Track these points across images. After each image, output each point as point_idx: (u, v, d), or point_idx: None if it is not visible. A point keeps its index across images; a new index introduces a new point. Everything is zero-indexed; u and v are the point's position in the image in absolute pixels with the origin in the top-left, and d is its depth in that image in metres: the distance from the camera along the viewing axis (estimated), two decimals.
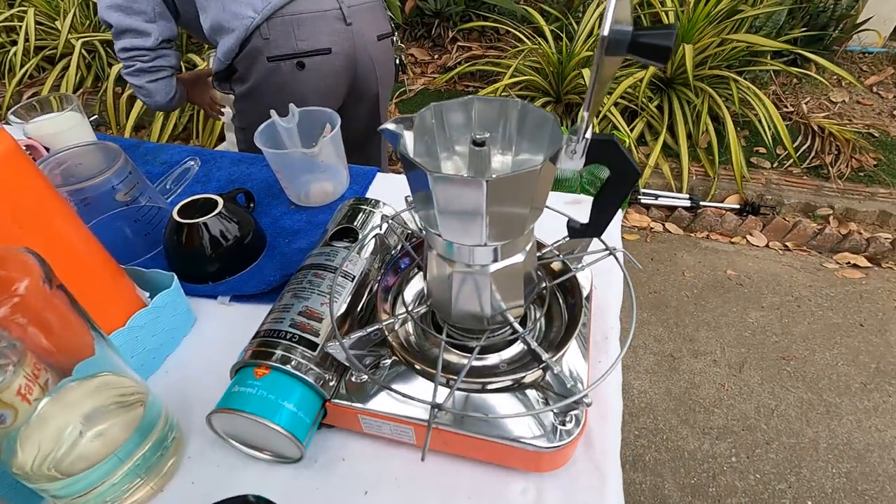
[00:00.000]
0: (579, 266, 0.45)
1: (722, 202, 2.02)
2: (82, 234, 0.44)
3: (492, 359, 0.42)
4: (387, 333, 0.40)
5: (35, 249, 0.37)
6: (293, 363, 0.39)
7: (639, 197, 2.01)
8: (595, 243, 0.44)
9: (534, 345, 0.37)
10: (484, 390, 0.39)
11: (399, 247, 0.50)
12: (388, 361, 0.41)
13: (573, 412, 0.36)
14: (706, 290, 1.71)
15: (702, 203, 2.01)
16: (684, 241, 1.93)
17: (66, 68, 2.44)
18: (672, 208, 2.02)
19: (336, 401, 0.40)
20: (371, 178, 0.74)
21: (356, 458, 0.43)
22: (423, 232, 0.39)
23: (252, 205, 0.69)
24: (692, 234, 1.97)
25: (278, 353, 0.39)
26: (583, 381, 0.39)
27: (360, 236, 0.50)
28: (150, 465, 0.41)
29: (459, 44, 2.78)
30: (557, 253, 0.45)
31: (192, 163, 0.77)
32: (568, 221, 0.35)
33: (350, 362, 0.36)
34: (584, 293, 0.44)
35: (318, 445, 0.43)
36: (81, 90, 2.53)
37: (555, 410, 0.36)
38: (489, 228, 0.30)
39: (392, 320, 0.39)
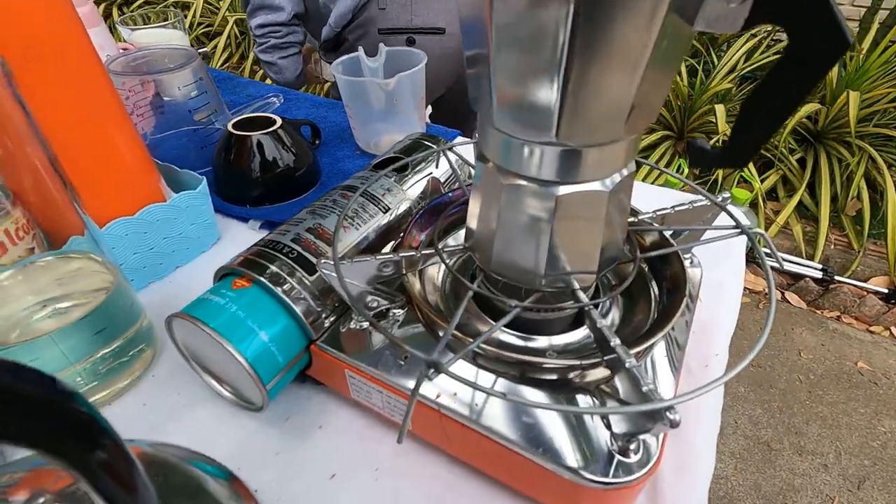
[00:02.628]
0: (691, 244, 0.32)
1: (865, 282, 1.68)
2: (109, 100, 0.39)
3: (540, 341, 0.30)
4: (404, 272, 0.30)
5: (36, 92, 0.33)
6: (282, 283, 0.30)
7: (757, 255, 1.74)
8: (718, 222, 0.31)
9: (601, 322, 0.25)
10: (520, 379, 0.27)
11: (456, 186, 0.40)
12: (401, 313, 0.31)
13: (644, 435, 0.24)
14: (826, 380, 1.41)
15: (837, 278, 1.69)
16: (806, 317, 1.63)
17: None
18: (797, 276, 1.72)
19: (322, 344, 0.30)
20: (450, 139, 0.66)
21: (336, 431, 0.33)
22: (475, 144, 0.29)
23: (318, 141, 0.63)
24: (818, 310, 1.66)
25: (269, 267, 0.31)
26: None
27: (410, 168, 0.41)
28: (107, 370, 0.34)
29: None
30: (659, 223, 0.33)
31: (274, 98, 0.74)
32: (691, 143, 0.23)
33: (343, 288, 0.26)
34: (692, 287, 0.31)
35: (296, 403, 0.34)
36: (227, 65, 2.77)
37: (626, 412, 0.23)
38: (567, 102, 0.19)
39: (412, 254, 0.29)
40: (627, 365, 0.23)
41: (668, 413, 0.20)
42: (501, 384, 0.27)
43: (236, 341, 0.28)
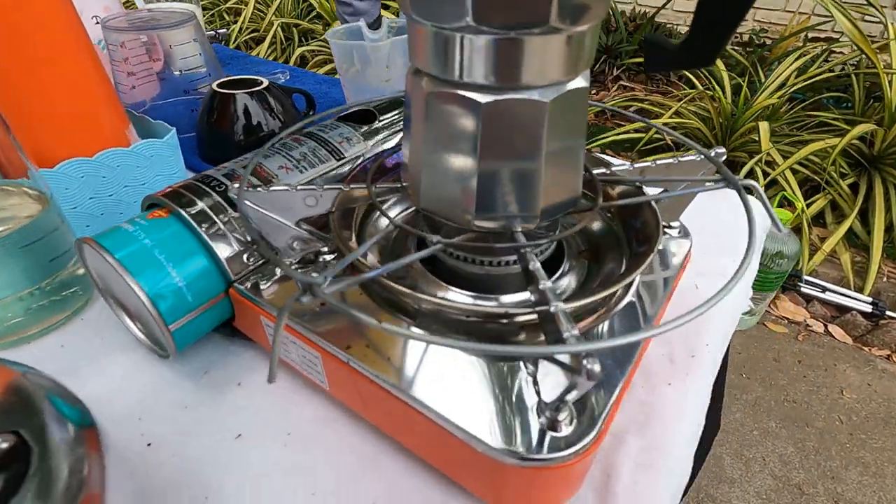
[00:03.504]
0: (665, 194, 0.27)
1: None
2: (74, 41, 0.38)
3: (489, 301, 0.26)
4: (332, 209, 0.27)
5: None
6: (202, 217, 0.27)
7: (799, 283, 1.62)
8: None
9: (534, 264, 0.21)
10: (452, 333, 0.23)
11: None
12: (331, 258, 0.27)
13: (571, 398, 0.19)
14: (871, 423, 1.27)
15: (889, 313, 1.54)
16: (851, 353, 1.49)
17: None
18: (843, 309, 1.58)
19: (239, 287, 0.27)
20: None
21: (255, 389, 0.29)
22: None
23: (312, 112, 0.61)
24: (866, 347, 1.51)
25: (193, 200, 0.28)
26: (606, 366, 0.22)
27: (378, 121, 0.37)
28: (38, 307, 0.32)
29: (622, 83, 2.61)
30: (638, 178, 0.28)
31: (280, 74, 0.73)
32: (646, 38, 0.19)
33: (243, 216, 0.23)
34: (672, 254, 0.26)
35: (221, 357, 0.31)
36: None
37: (524, 354, 0.19)
38: None
39: (339, 187, 0.26)
40: (552, 308, 0.18)
41: (585, 361, 0.16)
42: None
43: (137, 273, 0.25)
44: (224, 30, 0.90)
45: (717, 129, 1.96)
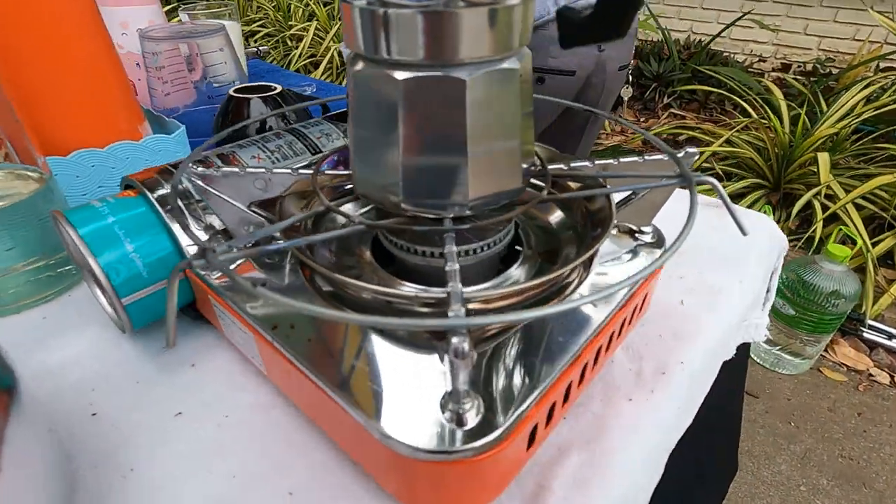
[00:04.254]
0: (621, 188, 0.25)
1: None
2: (93, 42, 0.42)
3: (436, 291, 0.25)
4: (284, 193, 0.27)
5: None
6: (165, 200, 0.28)
7: (861, 328, 1.48)
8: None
9: (449, 248, 0.20)
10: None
11: None
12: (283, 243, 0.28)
13: (460, 382, 0.18)
14: None
15: None
16: None
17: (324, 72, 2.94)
18: None
19: (195, 263, 0.28)
20: None
21: (207, 371, 0.30)
22: None
23: None
24: None
25: (161, 182, 0.29)
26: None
27: None
28: (35, 281, 0.34)
29: (673, 111, 2.54)
30: (593, 173, 0.26)
31: (308, 87, 0.76)
32: (559, 12, 0.18)
33: (172, 190, 0.23)
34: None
35: (184, 339, 0.31)
36: None
37: (389, 324, 0.17)
38: None
39: (286, 171, 0.26)
40: (449, 289, 0.17)
41: (453, 339, 0.15)
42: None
43: (95, 246, 0.27)
44: (265, 47, 0.96)
45: (772, 160, 1.86)
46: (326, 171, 0.27)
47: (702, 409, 0.33)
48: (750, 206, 1.75)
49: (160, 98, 0.63)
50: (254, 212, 0.27)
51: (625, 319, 0.27)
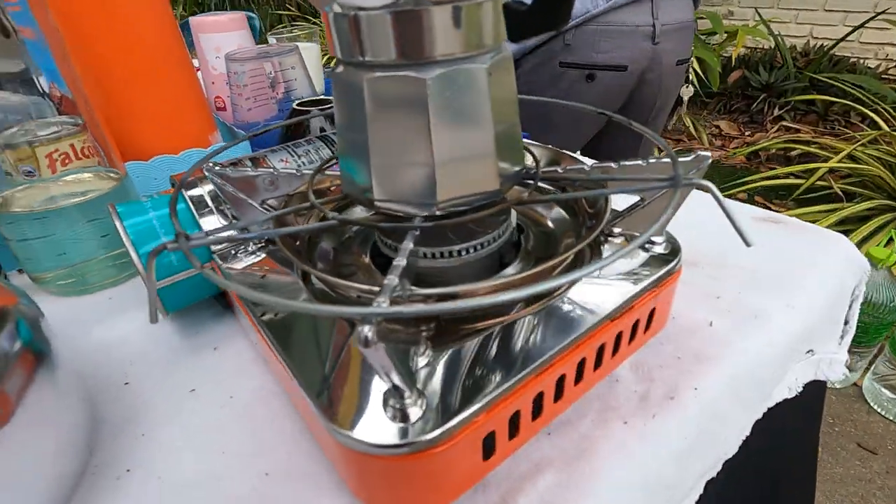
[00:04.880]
0: (613, 190, 0.23)
1: None
2: (175, 63, 0.48)
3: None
4: (292, 192, 0.29)
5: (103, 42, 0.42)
6: (197, 198, 0.32)
7: None
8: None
9: (407, 244, 0.20)
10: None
11: None
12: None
13: (392, 375, 0.17)
14: None
15: None
16: None
17: None
18: None
19: (216, 257, 0.31)
20: None
21: (227, 356, 0.32)
22: None
23: None
24: None
25: (195, 184, 0.33)
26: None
27: None
28: (119, 265, 0.40)
29: (784, 123, 2.30)
30: (583, 176, 0.25)
31: None
32: (505, 5, 0.17)
33: (179, 186, 0.26)
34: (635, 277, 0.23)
35: (212, 325, 0.35)
36: None
37: (306, 308, 0.18)
38: None
39: (292, 171, 0.28)
40: (386, 281, 0.18)
41: (359, 327, 0.15)
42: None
43: (133, 234, 0.30)
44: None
45: None
46: (328, 173, 0.28)
47: (748, 452, 0.29)
48: (876, 231, 1.53)
49: (242, 112, 0.70)
50: (265, 208, 0.29)
51: (620, 334, 0.25)
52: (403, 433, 0.18)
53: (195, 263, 0.19)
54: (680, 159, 0.24)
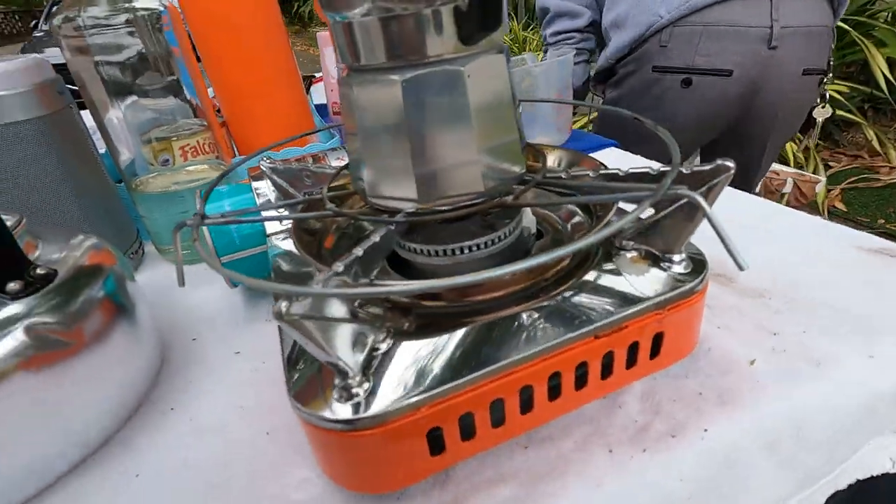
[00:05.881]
0: (612, 196, 0.22)
1: None
2: (285, 74, 0.55)
3: None
4: (329, 184, 0.32)
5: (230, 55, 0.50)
6: (261, 188, 0.36)
7: None
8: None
9: (376, 232, 0.21)
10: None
11: None
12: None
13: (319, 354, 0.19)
14: None
15: None
16: None
17: None
18: None
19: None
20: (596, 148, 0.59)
21: (271, 328, 0.37)
22: None
23: None
24: None
25: (261, 176, 0.38)
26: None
27: None
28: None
29: None
30: (576, 182, 0.23)
31: None
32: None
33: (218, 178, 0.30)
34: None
35: (271, 299, 0.40)
36: None
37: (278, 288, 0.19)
38: None
39: (324, 167, 0.31)
40: (332, 267, 0.19)
41: (280, 303, 0.16)
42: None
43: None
44: None
45: None
46: None
47: None
48: None
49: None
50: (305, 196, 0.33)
51: (611, 355, 0.23)
52: (340, 411, 0.19)
53: (203, 239, 0.23)
54: (696, 168, 0.22)
